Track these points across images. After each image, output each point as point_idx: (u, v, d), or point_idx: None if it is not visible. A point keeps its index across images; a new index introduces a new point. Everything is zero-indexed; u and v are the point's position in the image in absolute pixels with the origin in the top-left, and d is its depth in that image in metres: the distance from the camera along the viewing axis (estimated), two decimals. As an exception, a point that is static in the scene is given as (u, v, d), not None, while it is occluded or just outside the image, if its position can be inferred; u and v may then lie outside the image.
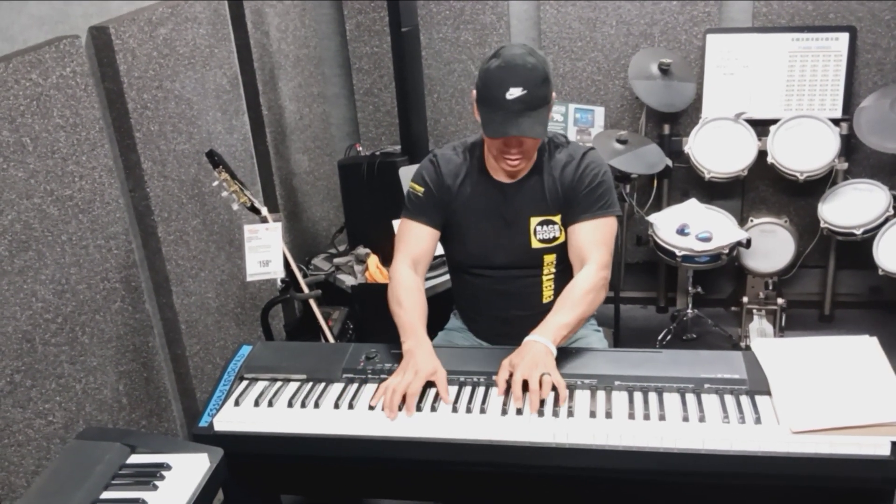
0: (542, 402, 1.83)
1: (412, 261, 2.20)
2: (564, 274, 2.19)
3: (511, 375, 1.88)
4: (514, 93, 1.98)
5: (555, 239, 2.21)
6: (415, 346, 1.98)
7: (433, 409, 1.86)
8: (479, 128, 2.11)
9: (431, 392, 1.92)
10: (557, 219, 2.20)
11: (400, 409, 1.86)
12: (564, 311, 2.03)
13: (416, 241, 2.23)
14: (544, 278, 2.25)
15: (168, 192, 2.55)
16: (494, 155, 2.14)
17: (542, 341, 1.94)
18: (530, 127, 2.01)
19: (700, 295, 3.71)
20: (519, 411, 1.82)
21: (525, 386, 1.85)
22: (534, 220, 2.20)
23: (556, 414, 1.81)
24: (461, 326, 2.46)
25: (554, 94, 2.11)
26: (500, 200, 2.22)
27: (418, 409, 1.86)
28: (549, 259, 2.23)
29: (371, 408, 1.89)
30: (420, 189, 2.24)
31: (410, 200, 2.26)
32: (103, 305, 2.26)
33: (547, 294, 2.26)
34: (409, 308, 2.09)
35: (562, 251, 2.22)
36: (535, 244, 2.21)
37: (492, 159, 2.19)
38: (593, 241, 2.14)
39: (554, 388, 1.86)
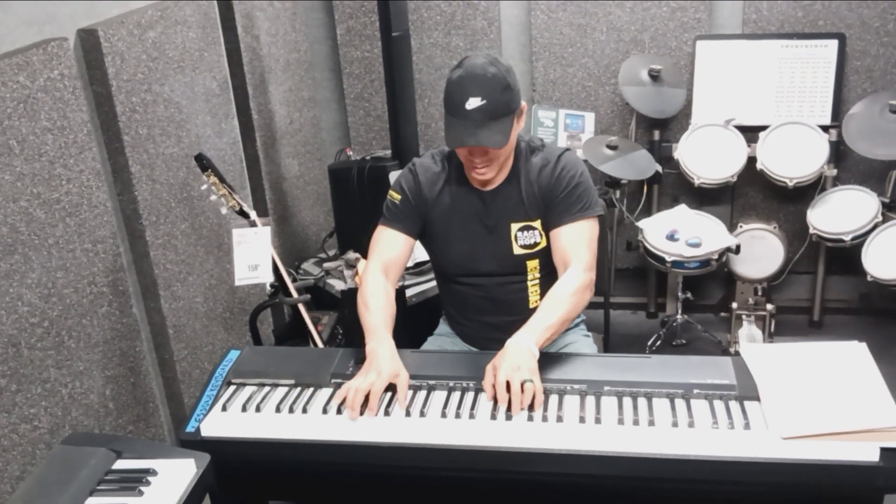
0: (532, 406, 1.83)
1: (383, 266, 2.20)
2: (549, 279, 2.19)
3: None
4: (473, 103, 1.99)
5: (536, 244, 2.21)
6: (377, 346, 1.97)
7: (422, 414, 1.85)
8: None
9: (420, 397, 1.91)
10: (537, 224, 2.20)
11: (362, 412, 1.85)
12: (548, 312, 2.02)
13: (389, 247, 2.23)
14: (529, 284, 2.25)
15: (156, 195, 2.53)
16: (464, 164, 2.15)
17: (524, 343, 1.93)
18: (488, 137, 2.01)
19: (690, 300, 3.71)
20: (508, 417, 1.82)
21: (507, 388, 1.84)
22: (514, 227, 2.20)
23: (545, 419, 1.80)
24: (450, 332, 2.45)
25: (524, 104, 2.12)
26: (479, 208, 2.22)
27: (407, 413, 1.85)
28: (533, 265, 2.23)
29: (330, 410, 1.88)
30: (397, 197, 2.25)
31: (387, 208, 2.26)
32: (90, 309, 2.24)
33: (533, 299, 2.26)
34: (375, 310, 2.08)
35: (544, 256, 2.22)
36: (517, 250, 2.21)
37: None
38: (575, 244, 2.14)
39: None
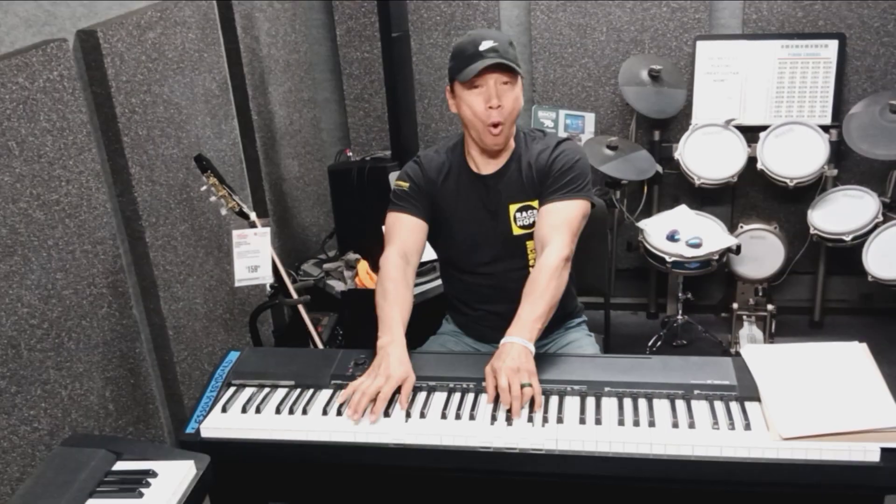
0: (532, 407, 1.83)
1: (403, 253, 2.19)
2: None
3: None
4: (486, 44, 2.08)
5: (535, 224, 2.21)
6: (388, 344, 1.96)
7: (422, 415, 1.85)
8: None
9: (420, 398, 1.91)
10: (535, 203, 2.21)
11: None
12: (533, 303, 2.00)
13: (406, 232, 2.22)
14: (532, 270, 2.24)
15: (156, 196, 2.53)
16: (479, 130, 2.14)
17: (519, 342, 1.92)
18: (507, 62, 2.07)
19: (690, 301, 3.71)
20: (508, 418, 1.81)
21: (508, 389, 1.83)
22: (513, 207, 2.22)
23: (546, 420, 1.80)
24: (454, 331, 2.46)
25: (521, 78, 2.15)
26: (482, 192, 2.24)
27: (407, 414, 1.85)
28: (532, 245, 2.23)
29: (330, 411, 1.88)
30: (405, 184, 2.25)
31: (396, 195, 2.26)
32: (90, 311, 2.24)
33: None
34: (393, 302, 2.07)
35: None
36: (516, 231, 2.22)
37: (473, 152, 2.23)
38: (557, 223, 2.13)
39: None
